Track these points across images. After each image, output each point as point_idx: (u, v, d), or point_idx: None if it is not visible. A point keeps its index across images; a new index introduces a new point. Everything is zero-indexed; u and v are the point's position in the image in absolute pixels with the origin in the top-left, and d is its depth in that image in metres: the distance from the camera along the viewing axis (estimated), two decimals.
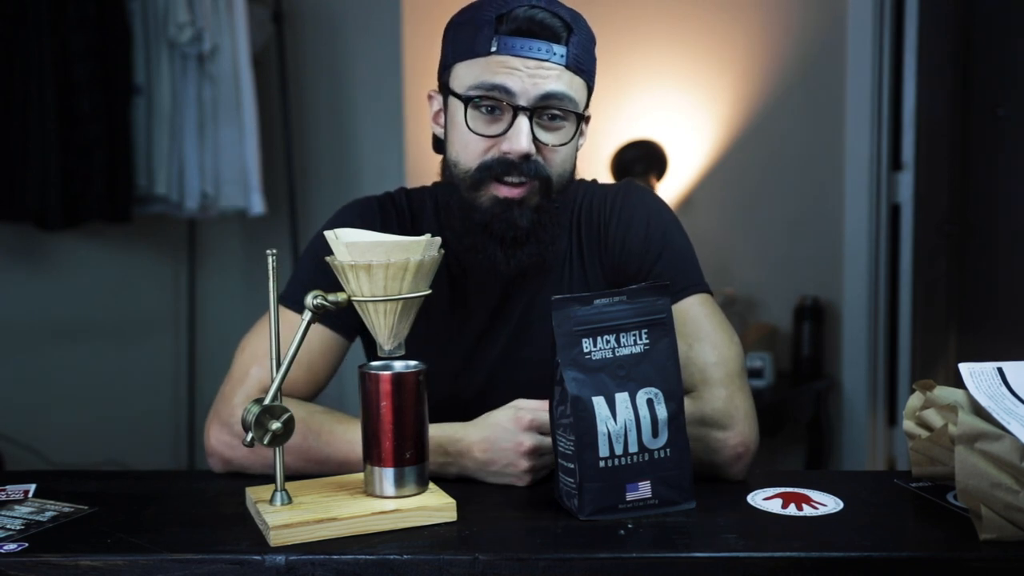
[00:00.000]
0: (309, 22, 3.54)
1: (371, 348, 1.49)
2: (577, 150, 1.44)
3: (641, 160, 3.52)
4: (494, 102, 1.33)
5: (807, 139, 3.69)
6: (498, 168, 1.34)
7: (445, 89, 1.40)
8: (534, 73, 1.32)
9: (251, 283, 3.60)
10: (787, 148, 3.70)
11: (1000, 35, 4.75)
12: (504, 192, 1.35)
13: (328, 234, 1.18)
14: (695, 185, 3.72)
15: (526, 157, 1.33)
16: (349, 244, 1.14)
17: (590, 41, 1.39)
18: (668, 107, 3.67)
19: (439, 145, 1.45)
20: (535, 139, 1.33)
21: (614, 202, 1.45)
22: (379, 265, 1.13)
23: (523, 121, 1.32)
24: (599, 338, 1.17)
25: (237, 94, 3.15)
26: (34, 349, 3.33)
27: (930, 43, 3.81)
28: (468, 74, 1.34)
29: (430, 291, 1.19)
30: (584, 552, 1.06)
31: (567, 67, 1.33)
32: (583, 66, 1.36)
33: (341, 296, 1.17)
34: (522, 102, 1.32)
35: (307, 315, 1.17)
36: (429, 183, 1.53)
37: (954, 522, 1.13)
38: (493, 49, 1.32)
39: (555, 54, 1.32)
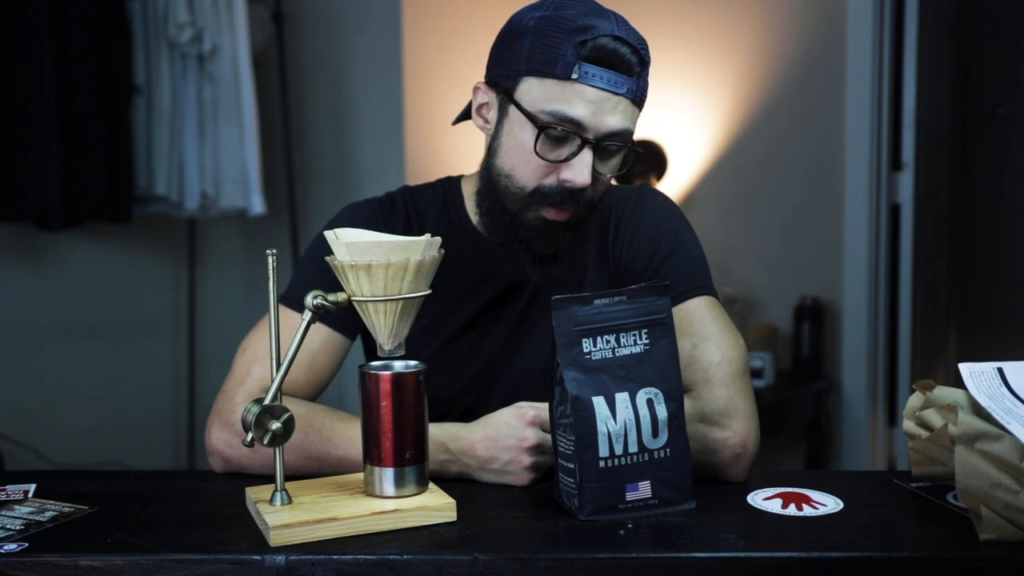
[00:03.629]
0: (309, 22, 3.54)
1: (371, 349, 1.49)
2: None
3: (641, 160, 3.52)
4: (565, 131, 1.31)
5: (807, 139, 3.69)
6: (555, 196, 1.33)
7: (506, 95, 1.35)
8: (603, 107, 1.30)
9: (251, 283, 3.60)
10: (787, 148, 3.71)
11: (1000, 35, 4.76)
12: (553, 215, 1.34)
13: (328, 234, 1.18)
14: (695, 185, 3.73)
15: (582, 188, 1.33)
16: (349, 244, 1.14)
17: (649, 73, 1.37)
18: (668, 107, 3.67)
19: (462, 119, 1.44)
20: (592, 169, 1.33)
21: (627, 202, 1.46)
22: (379, 265, 1.13)
23: (588, 155, 1.31)
24: (599, 338, 1.17)
25: (237, 94, 3.15)
26: (34, 349, 3.33)
27: (930, 43, 3.82)
28: (543, 95, 1.31)
29: (430, 291, 1.19)
30: (584, 552, 1.06)
31: (633, 101, 1.32)
32: (644, 97, 1.35)
33: (341, 296, 1.17)
34: (591, 136, 1.31)
35: (307, 315, 1.17)
36: (429, 182, 1.53)
37: (954, 522, 1.13)
38: (574, 76, 1.29)
39: (627, 89, 1.31)
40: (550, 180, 1.33)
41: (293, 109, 3.47)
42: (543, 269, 1.38)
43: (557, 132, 1.30)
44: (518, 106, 1.33)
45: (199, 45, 3.08)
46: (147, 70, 3.11)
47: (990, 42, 4.76)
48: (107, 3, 3.01)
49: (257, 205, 3.18)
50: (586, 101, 1.29)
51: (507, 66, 1.35)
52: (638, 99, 1.33)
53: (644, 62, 1.32)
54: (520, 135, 1.33)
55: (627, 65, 1.30)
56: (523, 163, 1.34)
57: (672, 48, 3.67)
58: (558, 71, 1.29)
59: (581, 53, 1.28)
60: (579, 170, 1.31)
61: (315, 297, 1.16)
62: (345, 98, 3.56)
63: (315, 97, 3.58)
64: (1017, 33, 4.72)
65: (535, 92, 1.31)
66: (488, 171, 1.39)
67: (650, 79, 1.37)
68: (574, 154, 1.31)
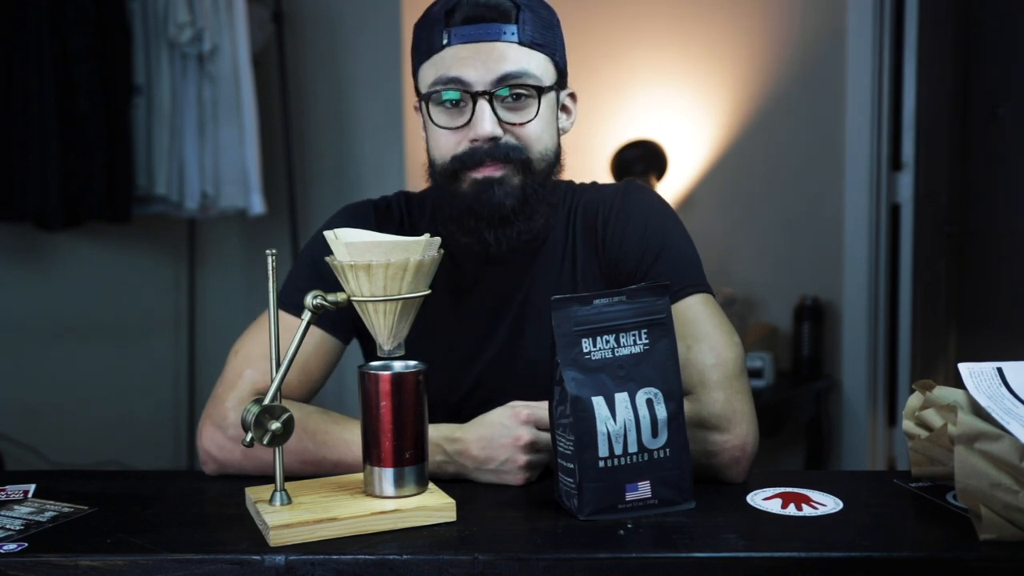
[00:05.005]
0: (309, 22, 3.54)
1: (369, 350, 1.49)
2: (561, 131, 1.44)
3: (641, 160, 3.52)
4: (454, 94, 1.34)
5: (807, 139, 3.69)
6: (470, 160, 1.35)
7: (417, 96, 1.42)
8: (487, 57, 1.33)
9: (251, 283, 3.60)
10: (787, 148, 3.71)
11: (1000, 35, 4.76)
12: (483, 173, 1.35)
13: (328, 234, 1.18)
14: (695, 185, 3.73)
15: (494, 140, 1.34)
16: (349, 244, 1.14)
17: (548, 17, 1.39)
18: (668, 107, 3.67)
19: None
20: (502, 122, 1.34)
21: (614, 200, 1.45)
22: (379, 265, 1.13)
23: (483, 106, 1.33)
24: (599, 338, 1.17)
25: (237, 94, 3.15)
26: (34, 349, 3.33)
27: (930, 43, 3.81)
28: (428, 73, 1.37)
29: (430, 291, 1.19)
30: (584, 552, 1.06)
31: (522, 44, 1.34)
32: (540, 41, 1.36)
33: (341, 296, 1.17)
34: (479, 88, 1.33)
35: (306, 315, 1.17)
36: (424, 188, 1.53)
37: (954, 522, 1.13)
38: (445, 42, 1.34)
39: (505, 33, 1.34)
40: (462, 146, 1.36)
41: (293, 109, 3.47)
42: (495, 234, 1.37)
43: (449, 96, 1.34)
44: (419, 94, 1.40)
45: (199, 45, 3.08)
46: (147, 70, 3.11)
47: (990, 42, 4.76)
48: (107, 3, 3.01)
49: (257, 205, 3.18)
50: (460, 59, 1.34)
51: (412, 72, 1.42)
52: (528, 41, 1.35)
53: (518, 6, 1.35)
54: (428, 120, 1.39)
55: (496, 12, 1.34)
56: (437, 143, 1.38)
57: (672, 48, 3.66)
58: (433, 46, 1.36)
59: (448, 23, 1.34)
60: (479, 124, 1.34)
61: (315, 297, 1.16)
62: (345, 98, 3.56)
63: (315, 97, 3.58)
64: (1017, 33, 4.71)
65: (425, 75, 1.38)
66: (428, 172, 1.43)
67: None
68: (472, 112, 1.34)
